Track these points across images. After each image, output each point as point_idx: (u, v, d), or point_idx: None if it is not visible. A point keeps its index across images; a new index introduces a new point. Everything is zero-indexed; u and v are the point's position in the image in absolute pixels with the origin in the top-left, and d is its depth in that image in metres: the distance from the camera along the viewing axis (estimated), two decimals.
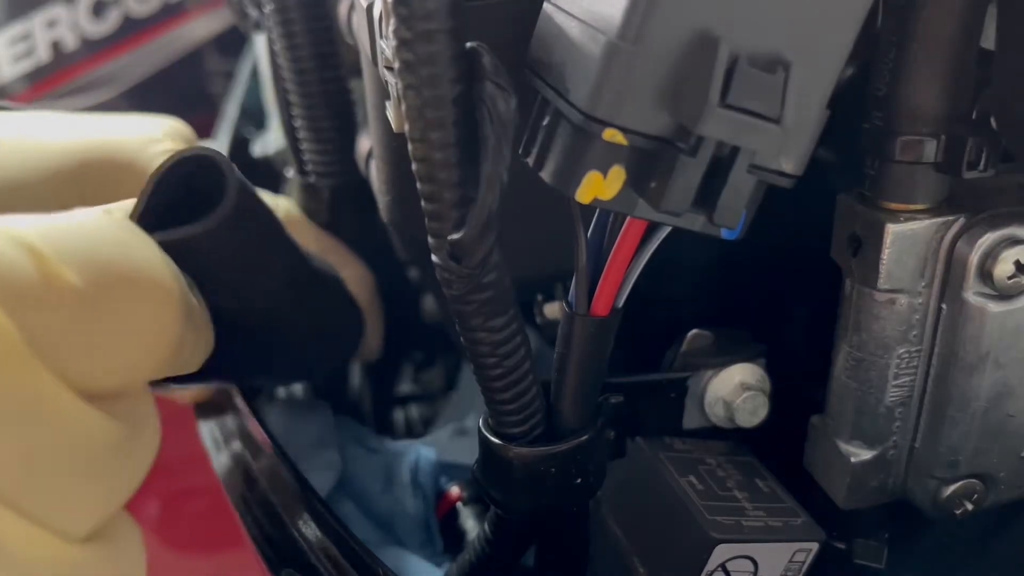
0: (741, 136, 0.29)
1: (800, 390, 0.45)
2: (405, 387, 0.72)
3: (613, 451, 0.43)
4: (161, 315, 0.29)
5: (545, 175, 0.31)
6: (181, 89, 1.04)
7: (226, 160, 0.35)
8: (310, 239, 0.56)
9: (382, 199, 0.49)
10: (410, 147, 0.31)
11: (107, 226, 0.29)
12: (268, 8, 0.53)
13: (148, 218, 0.33)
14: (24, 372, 0.25)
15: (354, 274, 0.56)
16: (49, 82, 0.99)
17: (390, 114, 0.36)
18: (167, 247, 0.32)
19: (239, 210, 0.35)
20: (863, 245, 0.38)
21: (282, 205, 0.57)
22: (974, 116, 0.36)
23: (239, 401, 0.52)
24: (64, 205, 0.31)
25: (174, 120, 0.45)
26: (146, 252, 0.30)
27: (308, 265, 0.44)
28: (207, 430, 0.54)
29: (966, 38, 0.35)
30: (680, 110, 0.29)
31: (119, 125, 0.43)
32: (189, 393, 0.54)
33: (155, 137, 0.43)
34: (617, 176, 0.30)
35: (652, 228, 0.34)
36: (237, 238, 0.35)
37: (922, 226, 0.37)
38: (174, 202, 0.35)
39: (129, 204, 0.34)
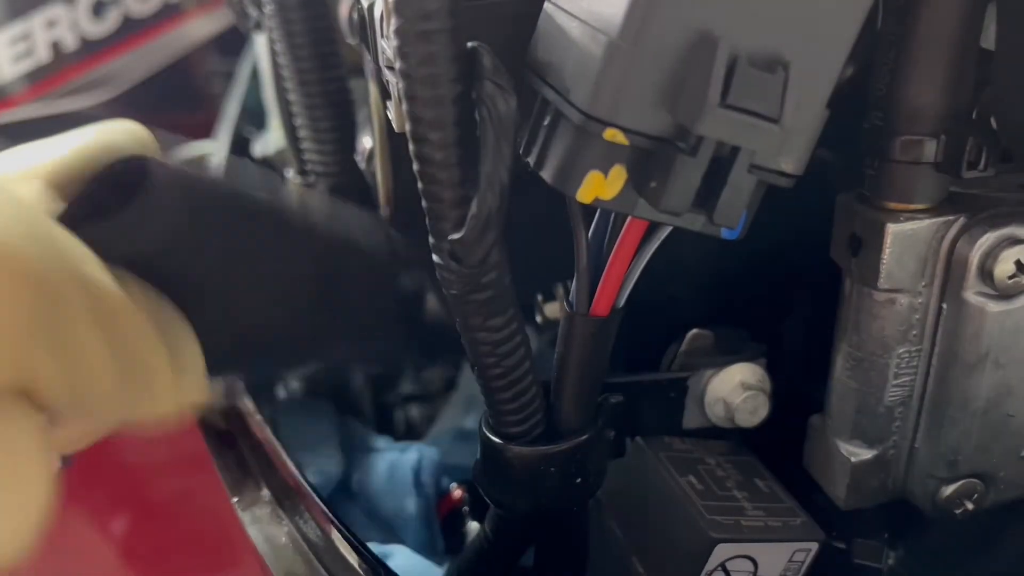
0: (741, 136, 0.29)
1: (800, 390, 0.45)
2: (405, 387, 0.72)
3: (613, 451, 0.43)
4: None
5: (546, 175, 0.31)
6: (181, 89, 1.04)
7: (155, 161, 0.31)
8: None
9: (382, 199, 0.49)
10: (410, 147, 0.31)
11: None
12: (269, 8, 0.53)
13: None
14: None
15: None
16: (49, 82, 0.99)
17: (391, 114, 0.36)
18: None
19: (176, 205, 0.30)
20: (863, 245, 0.38)
21: None
22: (974, 116, 0.36)
23: (242, 401, 0.52)
24: None
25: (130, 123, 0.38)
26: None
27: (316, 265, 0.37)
28: (209, 430, 0.54)
29: (966, 38, 0.35)
30: (680, 110, 0.29)
31: (80, 137, 0.36)
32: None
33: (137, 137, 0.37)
34: (618, 176, 0.30)
35: (653, 228, 0.34)
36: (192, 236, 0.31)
37: (922, 226, 0.37)
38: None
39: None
